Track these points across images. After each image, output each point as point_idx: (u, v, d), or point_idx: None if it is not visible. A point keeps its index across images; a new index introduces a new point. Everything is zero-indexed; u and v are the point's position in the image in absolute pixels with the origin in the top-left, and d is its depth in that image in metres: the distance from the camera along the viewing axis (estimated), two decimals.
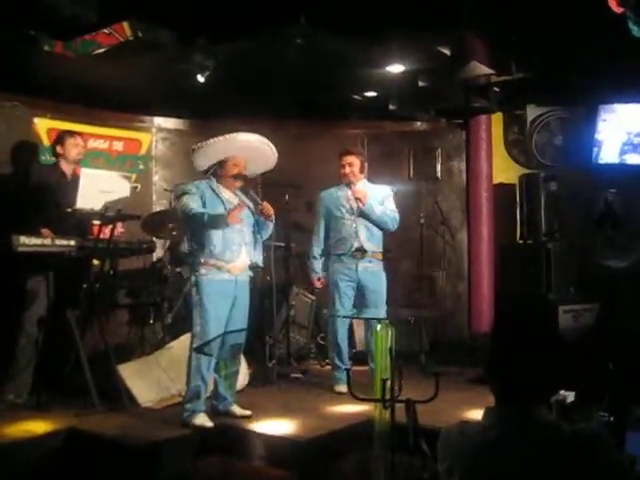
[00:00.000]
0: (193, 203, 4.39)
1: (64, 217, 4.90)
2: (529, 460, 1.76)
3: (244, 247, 4.52)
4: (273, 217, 4.57)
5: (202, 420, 4.34)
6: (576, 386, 3.60)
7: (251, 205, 4.60)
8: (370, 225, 5.39)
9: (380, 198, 5.49)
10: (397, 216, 5.46)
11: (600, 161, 6.47)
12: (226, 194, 4.57)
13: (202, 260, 4.41)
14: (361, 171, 5.51)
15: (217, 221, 4.33)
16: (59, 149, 5.28)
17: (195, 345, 4.42)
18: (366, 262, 5.38)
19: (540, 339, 1.89)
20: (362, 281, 5.38)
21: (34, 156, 6.18)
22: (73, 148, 5.25)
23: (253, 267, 4.62)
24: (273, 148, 4.73)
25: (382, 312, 4.92)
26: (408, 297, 6.90)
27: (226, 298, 4.45)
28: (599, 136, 6.43)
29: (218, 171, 4.58)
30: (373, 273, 5.40)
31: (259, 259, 4.64)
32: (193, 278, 4.48)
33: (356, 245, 5.38)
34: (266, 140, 4.69)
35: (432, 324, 6.58)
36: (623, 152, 6.52)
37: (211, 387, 4.58)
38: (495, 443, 1.83)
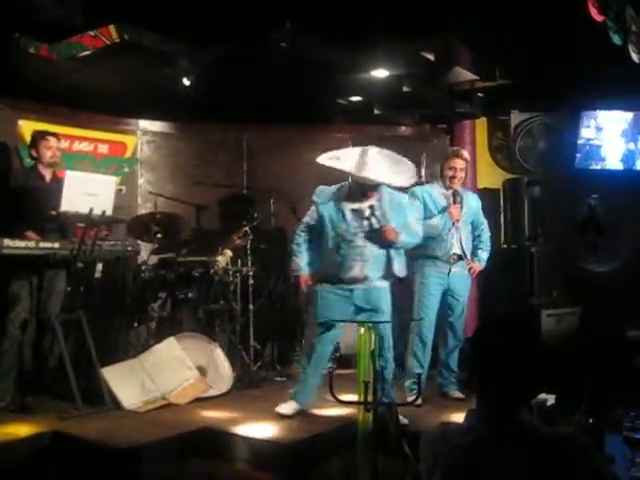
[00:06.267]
0: None
1: (47, 220, 4.89)
2: (509, 462, 1.78)
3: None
4: None
5: None
6: (557, 389, 3.63)
7: None
8: None
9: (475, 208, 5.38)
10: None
11: (601, 166, 6.54)
12: None
13: None
14: (466, 175, 5.36)
15: None
16: (33, 152, 5.25)
17: None
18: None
19: (521, 342, 1.92)
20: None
21: (17, 159, 6.17)
22: (46, 150, 5.21)
23: None
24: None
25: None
26: (392, 301, 6.91)
27: None
28: (586, 141, 6.51)
29: None
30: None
31: None
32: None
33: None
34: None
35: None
36: (610, 158, 6.60)
37: None
38: (475, 445, 1.84)
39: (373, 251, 4.58)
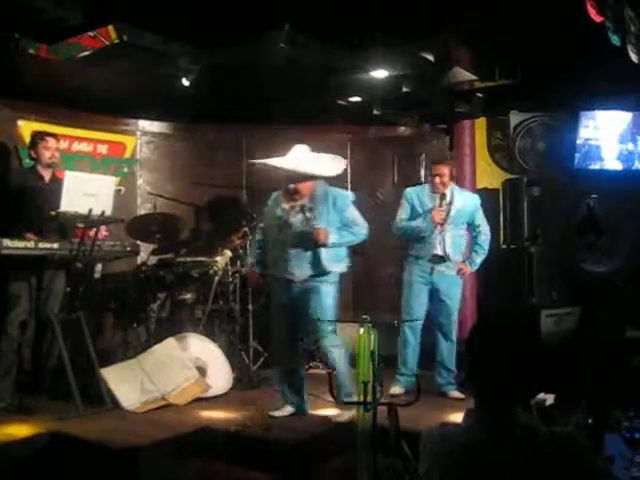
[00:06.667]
0: None
1: (46, 220, 4.89)
2: (507, 461, 1.79)
3: None
4: None
5: None
6: (556, 389, 3.64)
7: None
8: None
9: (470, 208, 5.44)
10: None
11: (600, 166, 6.54)
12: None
13: None
14: (451, 179, 5.43)
15: None
16: (33, 153, 5.27)
17: None
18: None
19: (516, 342, 1.92)
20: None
21: (16, 159, 6.17)
22: (45, 151, 5.23)
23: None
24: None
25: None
26: (392, 301, 6.92)
27: None
28: (585, 142, 6.51)
29: None
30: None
31: None
32: None
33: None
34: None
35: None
36: (609, 158, 6.60)
37: None
38: (474, 444, 1.85)
39: (297, 249, 4.65)
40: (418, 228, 5.34)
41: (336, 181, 5.48)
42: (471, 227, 5.45)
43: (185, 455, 4.19)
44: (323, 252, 4.62)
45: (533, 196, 6.71)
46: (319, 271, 4.64)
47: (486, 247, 5.43)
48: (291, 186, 4.67)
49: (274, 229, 4.77)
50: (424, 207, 5.37)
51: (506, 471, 1.78)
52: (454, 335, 5.37)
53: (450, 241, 5.32)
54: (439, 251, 5.31)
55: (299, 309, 4.70)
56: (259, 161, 4.85)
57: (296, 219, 4.67)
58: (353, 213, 4.75)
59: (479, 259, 5.42)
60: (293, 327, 4.75)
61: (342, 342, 4.73)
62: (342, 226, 4.69)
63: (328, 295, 4.66)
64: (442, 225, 5.28)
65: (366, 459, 3.42)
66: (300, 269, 4.64)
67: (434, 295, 5.37)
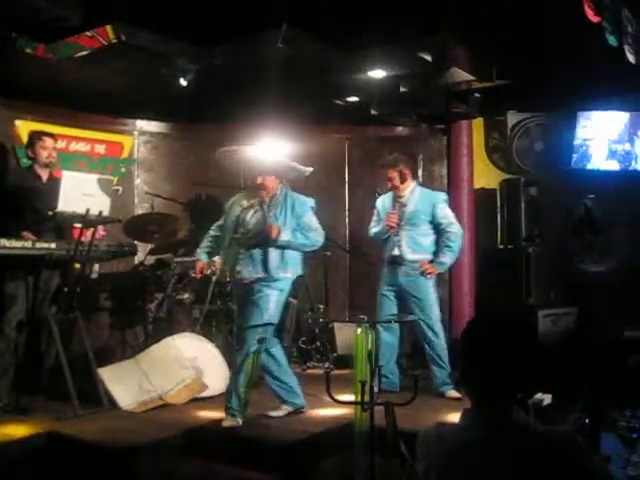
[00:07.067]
0: None
1: (43, 220, 4.89)
2: (504, 461, 1.79)
3: None
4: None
5: None
6: (553, 389, 3.64)
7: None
8: None
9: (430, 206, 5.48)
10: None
11: (597, 167, 6.56)
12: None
13: None
14: (402, 181, 5.49)
15: None
16: (30, 152, 5.27)
17: None
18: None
19: (517, 342, 1.92)
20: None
21: (14, 159, 6.17)
22: (42, 151, 5.23)
23: None
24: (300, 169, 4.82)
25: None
26: None
27: None
28: (582, 142, 6.52)
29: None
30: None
31: None
32: None
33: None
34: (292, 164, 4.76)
35: (413, 327, 6.60)
36: (606, 158, 6.61)
37: None
38: (471, 444, 1.85)
39: (250, 250, 4.64)
40: (378, 233, 5.58)
41: (336, 181, 5.54)
42: (435, 226, 5.46)
43: (183, 455, 4.20)
44: (273, 257, 4.60)
45: (530, 196, 6.72)
46: (266, 275, 4.60)
47: (453, 245, 5.39)
48: (259, 179, 4.65)
49: (231, 227, 4.75)
50: (385, 212, 5.54)
51: (503, 470, 1.78)
52: (439, 331, 5.37)
53: (405, 242, 5.40)
54: (396, 252, 5.43)
55: (244, 310, 4.72)
56: (236, 148, 4.77)
57: (253, 217, 4.68)
58: (311, 219, 4.74)
59: (445, 258, 5.40)
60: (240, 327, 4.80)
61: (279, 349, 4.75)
62: (298, 229, 4.67)
63: (269, 300, 4.59)
64: (394, 228, 5.41)
65: (364, 459, 3.42)
66: (248, 270, 4.61)
67: (404, 296, 5.45)
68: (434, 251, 5.43)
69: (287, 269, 4.66)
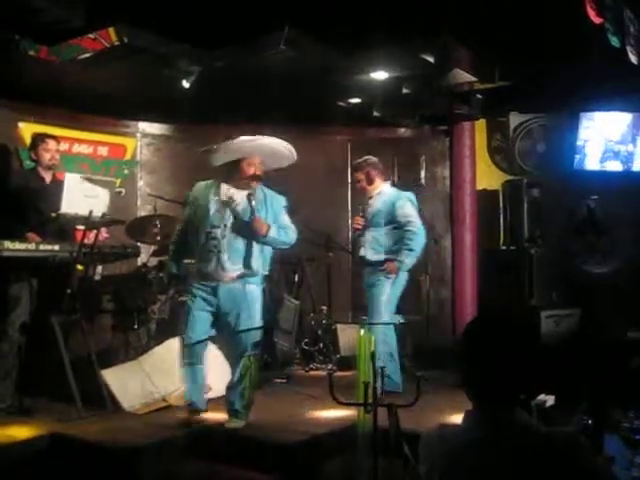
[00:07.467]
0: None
1: (46, 222, 4.90)
2: (506, 462, 1.79)
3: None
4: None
5: None
6: (557, 390, 3.64)
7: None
8: None
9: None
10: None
11: (600, 167, 6.56)
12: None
13: None
14: (369, 183, 5.58)
15: None
16: (33, 155, 5.29)
17: None
18: None
19: (517, 342, 1.92)
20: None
21: (17, 161, 6.18)
22: (45, 153, 5.25)
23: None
24: (291, 150, 4.72)
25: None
26: None
27: None
28: (585, 143, 6.52)
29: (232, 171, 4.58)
30: None
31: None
32: None
33: None
34: (284, 143, 4.70)
35: (416, 328, 6.61)
36: (604, 159, 6.61)
37: None
38: (473, 445, 1.85)
39: (231, 242, 4.46)
40: (354, 236, 5.86)
41: (338, 182, 5.54)
42: (397, 226, 5.46)
43: (186, 456, 4.20)
44: (255, 253, 4.49)
45: (533, 197, 6.73)
46: (249, 271, 4.49)
47: (411, 243, 5.35)
48: (253, 169, 4.53)
49: (206, 222, 4.48)
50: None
51: (505, 471, 1.78)
52: (378, 320, 5.29)
53: (369, 243, 5.49)
54: (362, 253, 5.55)
55: (224, 312, 4.50)
56: (215, 145, 4.72)
57: (235, 210, 4.49)
58: (286, 217, 4.67)
59: (406, 257, 5.37)
60: (209, 328, 4.59)
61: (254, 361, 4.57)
62: (277, 227, 4.56)
63: (257, 300, 4.53)
64: (359, 229, 5.58)
65: (367, 460, 3.42)
66: (231, 265, 4.44)
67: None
68: (397, 250, 5.40)
69: (265, 265, 4.60)
